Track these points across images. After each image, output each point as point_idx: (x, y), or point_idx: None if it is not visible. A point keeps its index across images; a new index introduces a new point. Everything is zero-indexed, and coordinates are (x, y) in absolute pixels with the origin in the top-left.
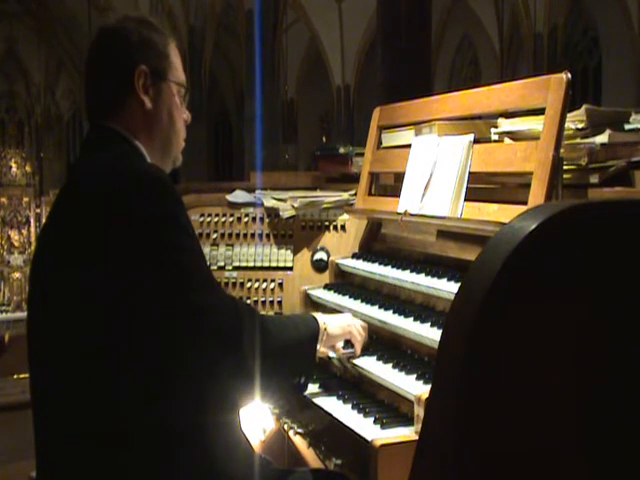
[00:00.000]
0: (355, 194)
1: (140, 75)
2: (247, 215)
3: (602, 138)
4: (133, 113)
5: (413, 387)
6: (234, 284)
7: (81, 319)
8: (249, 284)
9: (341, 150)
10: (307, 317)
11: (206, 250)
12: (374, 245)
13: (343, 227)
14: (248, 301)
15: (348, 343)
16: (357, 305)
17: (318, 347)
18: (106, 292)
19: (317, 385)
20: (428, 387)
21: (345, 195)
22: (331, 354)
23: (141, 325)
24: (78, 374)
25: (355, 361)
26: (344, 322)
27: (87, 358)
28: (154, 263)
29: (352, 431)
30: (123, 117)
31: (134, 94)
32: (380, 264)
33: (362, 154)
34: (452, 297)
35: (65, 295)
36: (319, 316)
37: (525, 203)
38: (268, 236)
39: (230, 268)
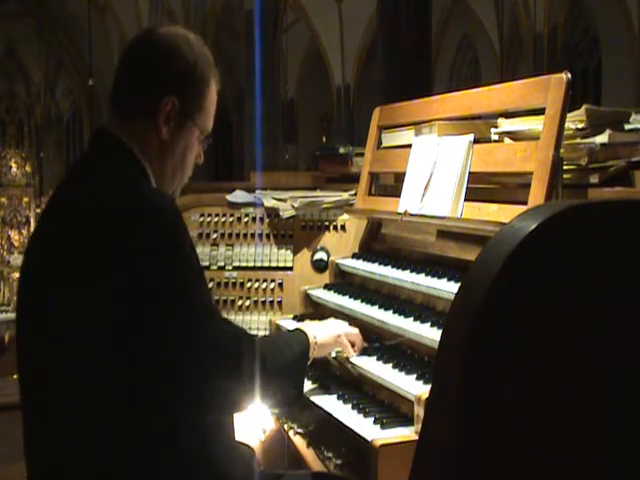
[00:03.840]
0: (355, 194)
1: (168, 103)
2: (247, 215)
3: (602, 138)
4: (148, 135)
5: (413, 387)
6: (234, 284)
7: (80, 335)
8: (249, 284)
9: (341, 150)
10: (297, 334)
11: (206, 250)
12: (374, 245)
13: (343, 227)
14: (248, 301)
15: None
16: (357, 305)
17: (309, 361)
18: (107, 313)
19: (317, 385)
20: (428, 387)
21: (345, 195)
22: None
23: (141, 346)
24: (76, 379)
25: (355, 361)
26: (334, 332)
27: (87, 366)
28: (157, 289)
29: (352, 431)
30: (136, 134)
31: (155, 118)
32: (380, 264)
33: (362, 154)
34: (452, 297)
35: (63, 312)
36: (308, 328)
37: (525, 203)
38: (268, 236)
39: (230, 268)
